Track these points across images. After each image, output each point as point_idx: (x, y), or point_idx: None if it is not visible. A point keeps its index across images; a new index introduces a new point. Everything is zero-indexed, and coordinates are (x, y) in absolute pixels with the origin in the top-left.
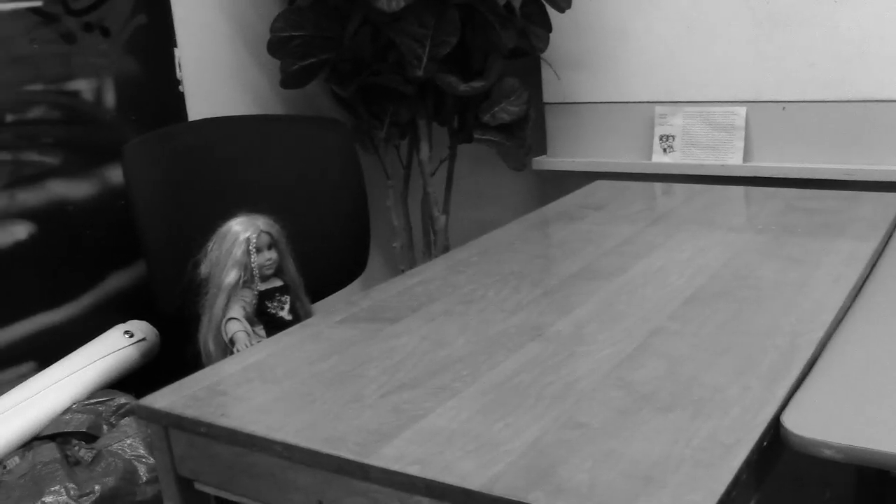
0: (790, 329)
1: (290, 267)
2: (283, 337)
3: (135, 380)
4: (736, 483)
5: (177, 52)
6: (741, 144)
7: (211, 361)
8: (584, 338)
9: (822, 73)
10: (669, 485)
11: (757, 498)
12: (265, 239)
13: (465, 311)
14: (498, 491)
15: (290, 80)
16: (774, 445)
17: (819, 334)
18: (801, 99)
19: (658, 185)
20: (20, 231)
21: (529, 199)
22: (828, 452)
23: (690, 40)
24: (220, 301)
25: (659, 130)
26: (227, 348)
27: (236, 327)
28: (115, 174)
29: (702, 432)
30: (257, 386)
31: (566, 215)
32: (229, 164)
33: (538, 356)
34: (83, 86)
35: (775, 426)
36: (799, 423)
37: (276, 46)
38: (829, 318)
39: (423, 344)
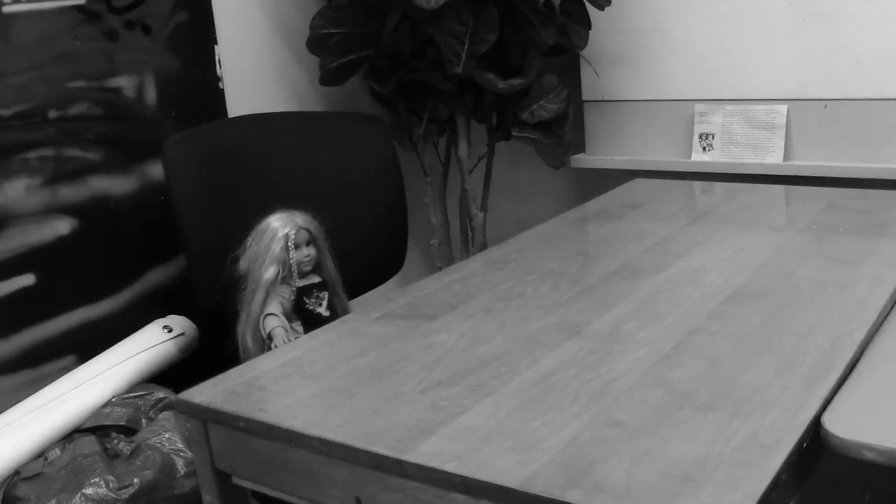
0: (831, 329)
1: (328, 263)
2: (321, 333)
3: (173, 374)
4: (776, 484)
5: (217, 49)
6: (782, 143)
7: (249, 357)
8: (622, 336)
9: (866, 71)
10: (708, 485)
11: (796, 499)
12: (304, 235)
13: (504, 308)
14: (535, 489)
15: (329, 77)
16: (814, 446)
17: (860, 335)
18: (844, 97)
19: (697, 184)
20: (62, 226)
21: (568, 197)
22: (868, 454)
23: (731, 37)
24: (259, 297)
25: (698, 129)
26: (265, 344)
27: (274, 323)
28: (155, 170)
29: (741, 432)
30: (295, 382)
31: (605, 213)
32: (268, 160)
33: (576, 354)
34: (124, 82)
35: (815, 427)
36: (839, 425)
37: (316, 43)
38: (870, 318)
39: (462, 341)
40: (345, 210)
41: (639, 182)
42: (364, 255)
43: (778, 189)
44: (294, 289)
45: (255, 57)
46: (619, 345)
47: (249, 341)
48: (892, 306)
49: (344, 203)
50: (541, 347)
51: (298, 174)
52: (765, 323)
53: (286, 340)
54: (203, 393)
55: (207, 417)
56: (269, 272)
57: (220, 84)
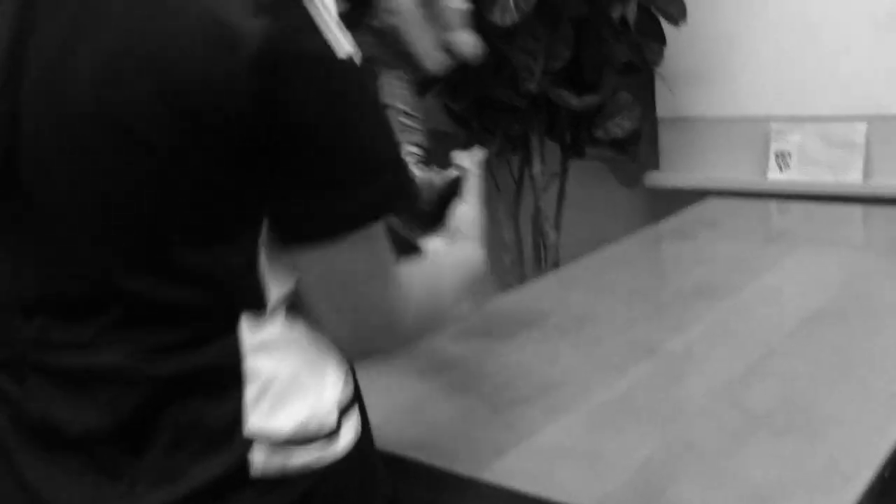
0: None
1: None
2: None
3: None
4: None
5: None
6: (861, 162)
7: None
8: (696, 357)
9: None
10: None
11: None
12: None
13: (577, 327)
14: None
15: None
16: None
17: None
18: None
19: (773, 204)
20: None
21: (641, 216)
22: None
23: (808, 53)
24: None
25: (774, 147)
26: None
27: None
28: None
29: (819, 458)
30: (370, 400)
31: (679, 232)
32: None
33: (650, 374)
34: None
35: None
36: None
37: None
38: None
39: (535, 360)
40: None
41: (713, 201)
42: None
43: (857, 209)
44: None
45: None
46: (692, 365)
47: None
48: None
49: None
50: (614, 367)
51: None
52: (843, 346)
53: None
54: None
55: None
56: None
57: None
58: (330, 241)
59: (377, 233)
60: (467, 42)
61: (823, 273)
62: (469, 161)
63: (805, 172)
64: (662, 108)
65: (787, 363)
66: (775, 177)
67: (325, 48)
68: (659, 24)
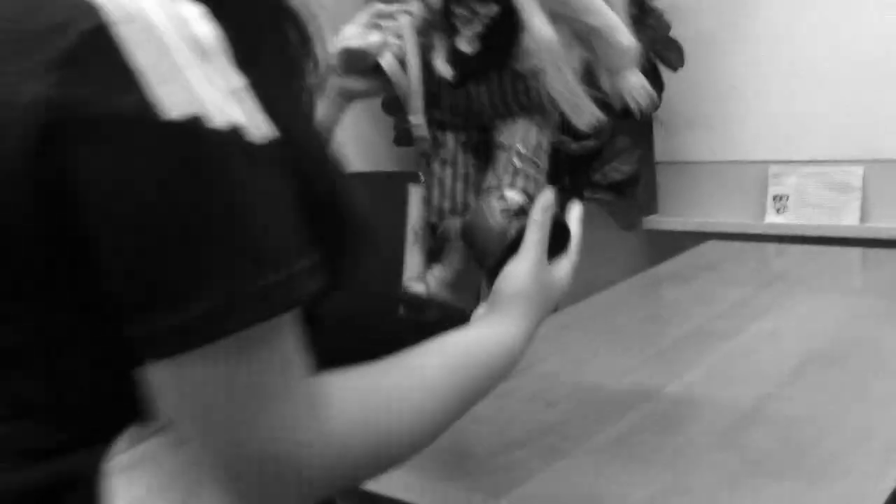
0: None
1: None
2: None
3: None
4: None
5: None
6: (858, 204)
7: None
8: (695, 400)
9: None
10: None
11: None
12: None
13: (575, 370)
14: None
15: (403, 138)
16: None
17: None
18: None
19: (772, 246)
20: None
21: (640, 259)
22: None
23: (805, 97)
24: None
25: (772, 190)
26: None
27: None
28: None
29: (818, 502)
30: None
31: (678, 276)
32: None
33: (648, 418)
34: None
35: (895, 499)
36: None
37: (391, 103)
38: None
39: (533, 403)
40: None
41: (712, 244)
42: None
43: (854, 252)
44: None
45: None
46: (692, 409)
47: None
48: None
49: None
50: (613, 411)
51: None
52: (841, 390)
53: None
54: None
55: None
56: None
57: None
58: (169, 358)
59: (259, 337)
60: (638, 88)
61: (822, 316)
62: (538, 208)
63: (802, 215)
64: (661, 152)
65: (786, 406)
66: (773, 220)
67: (141, 109)
68: (657, 68)
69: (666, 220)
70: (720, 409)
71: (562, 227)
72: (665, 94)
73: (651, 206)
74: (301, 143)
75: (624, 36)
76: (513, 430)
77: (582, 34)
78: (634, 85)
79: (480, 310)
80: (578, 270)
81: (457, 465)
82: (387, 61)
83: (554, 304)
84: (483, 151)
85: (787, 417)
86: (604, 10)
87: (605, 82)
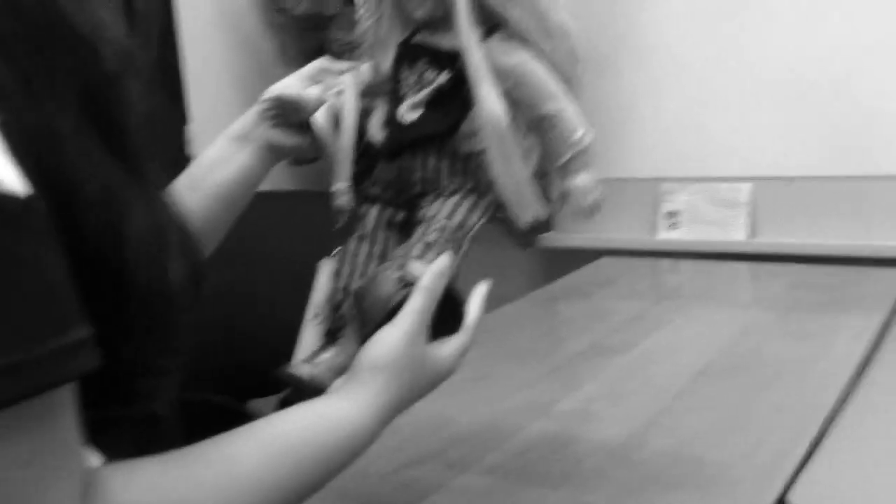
0: (798, 406)
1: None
2: None
3: None
4: None
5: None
6: (746, 220)
7: None
8: (591, 415)
9: (829, 149)
10: None
11: None
12: None
13: (472, 388)
14: None
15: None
16: None
17: (826, 411)
18: (808, 174)
19: (665, 262)
20: None
21: (536, 276)
22: None
23: (695, 116)
24: None
25: (664, 207)
26: None
27: None
28: None
29: None
30: None
31: (574, 292)
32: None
33: (545, 434)
34: None
35: None
36: (807, 502)
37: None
38: (836, 394)
39: (430, 421)
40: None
41: (607, 261)
42: None
43: (744, 267)
44: None
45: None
46: (588, 424)
47: None
48: (858, 382)
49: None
50: (510, 427)
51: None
52: (733, 401)
53: None
54: None
55: None
56: None
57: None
58: None
59: (14, 423)
60: (588, 189)
61: (714, 330)
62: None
63: (694, 231)
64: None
65: (679, 419)
66: (666, 236)
67: None
68: None
69: (561, 237)
70: (616, 423)
71: (457, 301)
72: None
73: (551, 204)
74: (84, 202)
75: (579, 130)
76: (409, 449)
77: (534, 121)
78: (583, 184)
79: (339, 381)
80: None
81: (355, 482)
82: (320, 118)
83: (431, 385)
84: (406, 231)
85: (681, 430)
86: (561, 98)
87: (551, 176)
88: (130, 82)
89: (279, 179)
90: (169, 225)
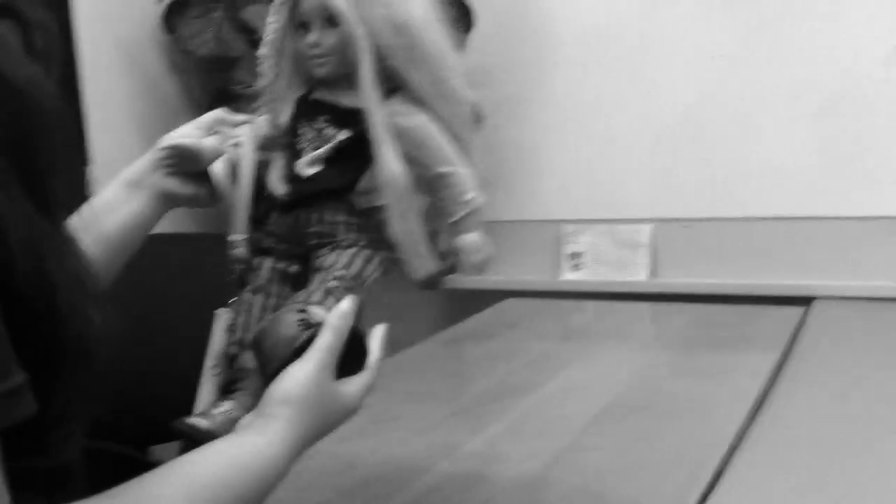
0: (698, 442)
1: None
2: None
3: None
4: None
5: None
6: (647, 261)
7: None
8: (497, 456)
9: (723, 192)
10: None
11: None
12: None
13: (377, 431)
14: None
15: None
16: None
17: (726, 446)
18: (705, 216)
19: (568, 303)
20: None
21: (441, 318)
22: None
23: (597, 158)
24: None
25: (567, 248)
26: None
27: None
28: None
29: None
30: None
31: (478, 333)
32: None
33: (452, 474)
34: None
35: None
36: None
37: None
38: (734, 429)
39: (334, 464)
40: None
41: (511, 302)
42: None
43: (645, 306)
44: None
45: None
46: (494, 464)
47: None
48: (755, 417)
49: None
50: (415, 470)
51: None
52: (634, 438)
53: None
54: None
55: None
56: None
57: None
58: None
59: None
60: (475, 248)
61: (617, 368)
62: (334, 312)
63: (596, 272)
64: None
65: (585, 457)
66: (569, 277)
67: None
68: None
69: (465, 278)
70: (522, 462)
71: (360, 341)
72: None
73: (447, 260)
74: (12, 251)
75: (471, 192)
76: (312, 494)
77: (429, 181)
78: (474, 242)
79: (246, 418)
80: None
81: None
82: (217, 169)
83: (338, 421)
84: (300, 285)
85: (587, 467)
86: (456, 160)
87: (442, 234)
88: (56, 133)
89: (178, 222)
90: (87, 274)
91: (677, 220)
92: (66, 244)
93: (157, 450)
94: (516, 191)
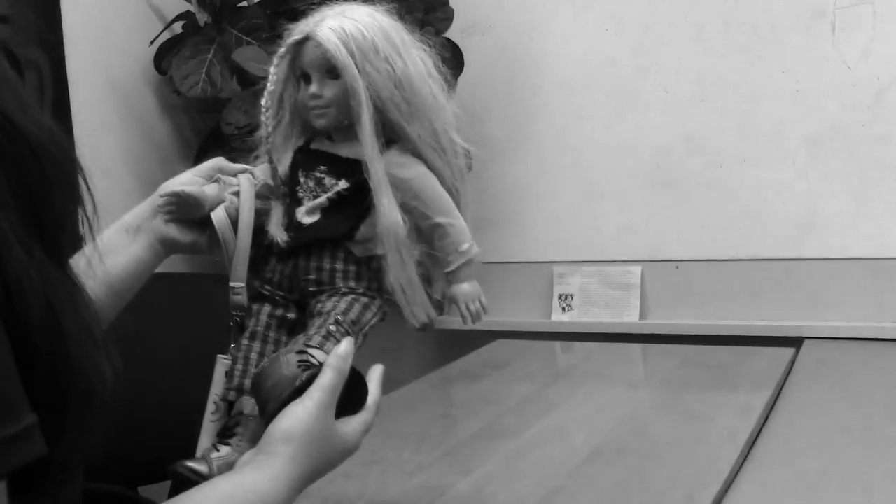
0: (687, 483)
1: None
2: None
3: None
4: None
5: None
6: (637, 302)
7: None
8: (485, 499)
9: (713, 233)
10: None
11: None
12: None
13: (365, 473)
14: None
15: None
16: None
17: (716, 488)
18: (694, 258)
19: (558, 344)
20: None
21: (430, 359)
22: None
23: (588, 201)
24: None
25: (557, 290)
26: None
27: None
28: None
29: None
30: None
31: (467, 374)
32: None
33: None
34: None
35: None
36: None
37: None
38: (725, 470)
39: (326, 503)
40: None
41: (501, 343)
42: None
43: (635, 347)
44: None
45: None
46: None
47: None
48: (745, 458)
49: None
50: None
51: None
52: (624, 480)
53: None
54: None
55: None
56: None
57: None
58: None
59: None
60: (472, 298)
61: (606, 410)
62: (334, 353)
63: (586, 313)
64: None
65: (573, 499)
66: (559, 318)
67: None
68: None
69: (455, 319)
70: None
71: (359, 381)
72: None
73: (441, 306)
74: (25, 298)
75: (467, 242)
76: None
77: (426, 231)
78: (468, 291)
79: (247, 455)
80: (368, 370)
81: None
82: (218, 216)
83: (338, 459)
84: (299, 331)
85: None
86: (454, 212)
87: (437, 284)
88: (68, 184)
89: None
90: (96, 322)
91: (668, 261)
92: (77, 293)
93: (144, 490)
94: (506, 232)
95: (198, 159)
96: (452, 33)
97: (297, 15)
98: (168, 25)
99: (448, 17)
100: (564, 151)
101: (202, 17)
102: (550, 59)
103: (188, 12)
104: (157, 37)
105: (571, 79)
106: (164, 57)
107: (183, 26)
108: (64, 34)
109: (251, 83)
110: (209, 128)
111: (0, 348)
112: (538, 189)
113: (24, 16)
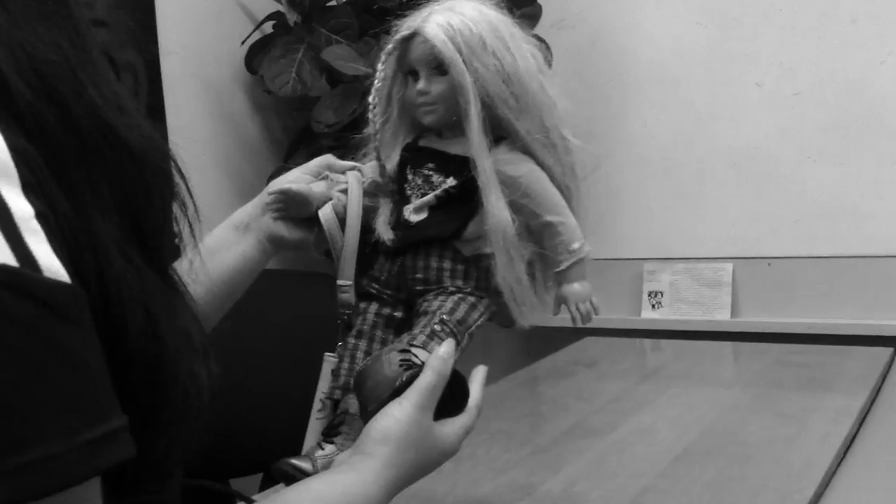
0: (779, 487)
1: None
2: None
3: None
4: None
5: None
6: (728, 300)
7: None
8: (574, 497)
9: (806, 230)
10: None
11: None
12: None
13: (454, 469)
14: None
15: None
16: None
17: (809, 493)
18: (786, 255)
19: (647, 342)
20: None
21: (519, 356)
22: None
23: (678, 198)
24: None
25: (647, 287)
26: None
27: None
28: None
29: None
30: None
31: (556, 372)
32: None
33: None
34: None
35: None
36: None
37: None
38: (818, 475)
39: (413, 500)
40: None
41: (590, 340)
42: None
43: (726, 346)
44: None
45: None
46: None
47: None
48: (840, 463)
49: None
50: None
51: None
52: (714, 481)
53: None
54: None
55: None
56: None
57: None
58: None
59: None
60: (583, 299)
61: (696, 409)
62: (435, 354)
63: (676, 310)
64: None
65: (662, 499)
66: (649, 315)
67: None
68: None
69: (544, 316)
70: None
71: (461, 384)
72: None
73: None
74: (124, 305)
75: (577, 241)
76: None
77: (536, 229)
78: (579, 291)
79: (344, 454)
80: (459, 369)
81: None
82: (326, 214)
83: (435, 462)
84: (405, 330)
85: None
86: (565, 210)
87: (547, 284)
88: (168, 191)
89: (287, 259)
90: (195, 329)
91: (760, 258)
92: (176, 299)
93: (235, 483)
94: (596, 229)
95: (287, 158)
96: (541, 29)
97: (386, 13)
98: (259, 25)
99: (536, 13)
100: (654, 147)
101: (292, 17)
102: (639, 53)
103: (278, 12)
104: (248, 37)
105: (661, 73)
106: (255, 57)
107: (273, 26)
108: (158, 36)
109: (340, 81)
110: (299, 126)
111: (93, 353)
112: (628, 185)
113: (121, 20)
